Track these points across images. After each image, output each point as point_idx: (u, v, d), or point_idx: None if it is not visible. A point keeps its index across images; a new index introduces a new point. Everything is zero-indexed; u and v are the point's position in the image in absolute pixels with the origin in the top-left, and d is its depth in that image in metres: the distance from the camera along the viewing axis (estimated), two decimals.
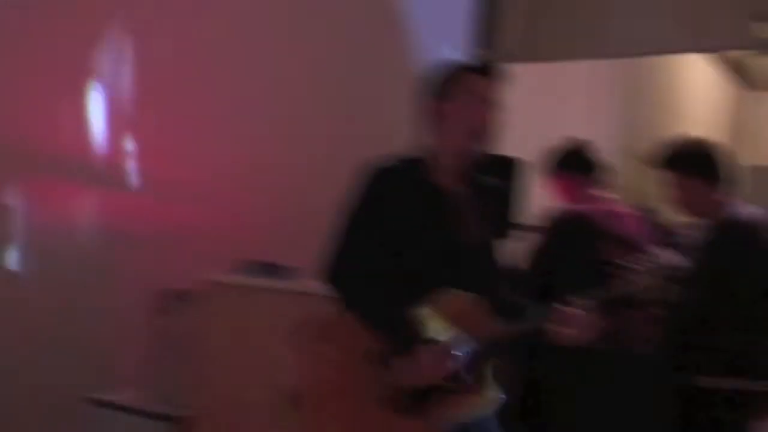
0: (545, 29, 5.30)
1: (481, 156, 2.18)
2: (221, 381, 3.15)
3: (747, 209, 2.87)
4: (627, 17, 5.05)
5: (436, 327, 2.06)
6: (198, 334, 3.23)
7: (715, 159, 2.91)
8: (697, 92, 7.25)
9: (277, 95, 3.96)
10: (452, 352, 2.03)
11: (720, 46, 5.57)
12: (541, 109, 5.32)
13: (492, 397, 2.09)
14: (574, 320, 2.00)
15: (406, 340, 2.05)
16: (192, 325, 3.24)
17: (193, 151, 3.64)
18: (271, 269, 3.23)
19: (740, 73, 7.27)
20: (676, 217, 3.20)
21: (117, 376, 3.42)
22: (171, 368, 3.31)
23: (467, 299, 2.10)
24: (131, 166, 3.57)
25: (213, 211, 3.72)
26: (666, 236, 3.40)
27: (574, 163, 2.96)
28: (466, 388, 2.05)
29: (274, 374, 2.72)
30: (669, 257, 2.03)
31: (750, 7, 4.64)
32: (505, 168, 4.64)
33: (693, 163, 2.88)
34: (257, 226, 3.79)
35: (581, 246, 2.75)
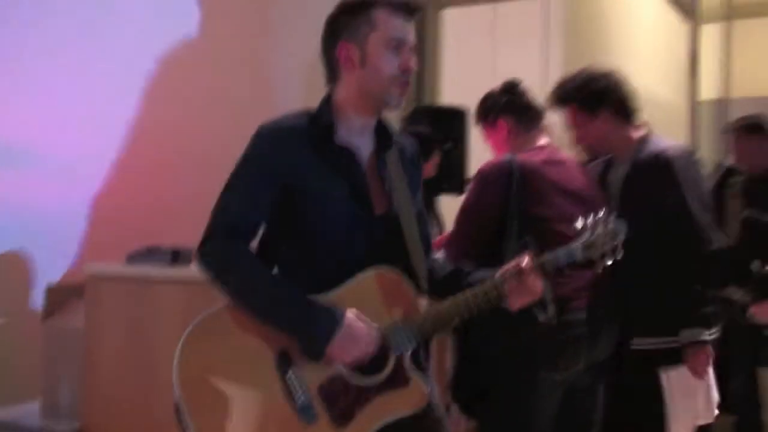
0: None
1: (399, 107, 1.87)
2: (116, 388, 2.86)
3: (663, 143, 2.66)
4: None
5: (357, 312, 1.75)
6: (91, 334, 2.90)
7: (625, 90, 2.68)
8: (641, 27, 7.06)
9: (184, 71, 3.62)
10: (388, 344, 1.76)
11: None
12: (476, 55, 5.09)
13: (425, 390, 1.81)
14: (526, 284, 1.79)
15: (323, 326, 1.71)
16: (85, 324, 2.92)
17: (92, 125, 3.28)
18: (171, 255, 2.98)
19: (685, 6, 7.07)
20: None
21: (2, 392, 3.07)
22: (63, 376, 2.97)
23: (391, 277, 1.81)
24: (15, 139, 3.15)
25: (111, 191, 3.34)
26: None
27: (509, 107, 2.63)
28: (400, 381, 1.77)
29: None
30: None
31: None
32: (452, 119, 4.38)
33: (601, 95, 2.64)
34: (158, 207, 3.48)
35: (521, 201, 2.43)
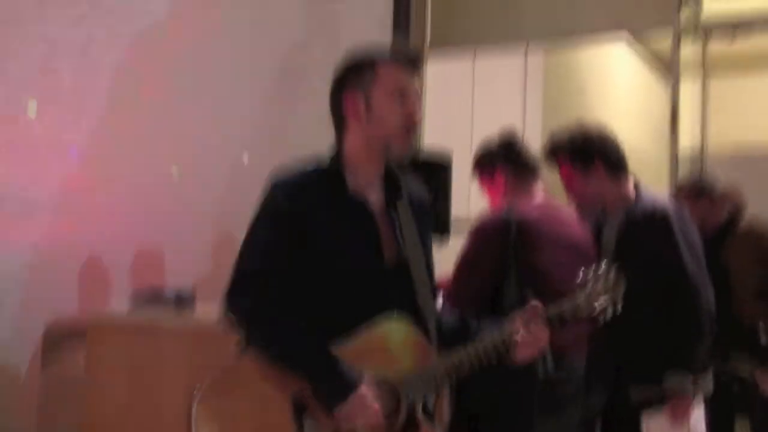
0: (460, 15, 5.09)
1: (407, 155, 1.92)
2: None
3: (654, 197, 2.71)
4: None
5: (374, 364, 1.77)
6: (90, 380, 2.82)
7: (616, 145, 2.73)
8: (618, 83, 7.15)
9: (183, 106, 3.57)
10: (400, 393, 1.76)
11: (643, 27, 5.40)
12: (456, 106, 5.11)
13: None
14: (534, 337, 1.83)
15: (341, 384, 1.72)
16: (84, 369, 2.85)
17: (90, 169, 3.21)
18: (168, 298, 2.92)
19: (661, 61, 7.18)
20: None
21: None
22: (62, 424, 2.88)
23: (403, 327, 1.82)
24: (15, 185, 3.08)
25: (111, 232, 3.26)
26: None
27: (506, 159, 2.63)
28: (412, 430, 1.77)
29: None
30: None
31: None
32: (436, 166, 4.39)
33: (593, 151, 2.68)
34: (159, 248, 3.40)
35: (520, 253, 2.43)
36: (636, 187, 2.73)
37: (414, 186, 2.01)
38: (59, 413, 2.96)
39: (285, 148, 3.59)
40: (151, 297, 2.95)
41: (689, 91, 5.98)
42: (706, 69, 6.63)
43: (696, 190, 3.67)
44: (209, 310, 2.58)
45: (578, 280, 1.87)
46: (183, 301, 2.94)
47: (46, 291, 3.03)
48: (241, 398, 1.75)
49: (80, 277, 3.15)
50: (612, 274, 1.87)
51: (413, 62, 1.93)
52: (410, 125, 1.87)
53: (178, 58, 3.52)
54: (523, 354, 1.84)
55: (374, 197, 1.91)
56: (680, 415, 2.53)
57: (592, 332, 2.42)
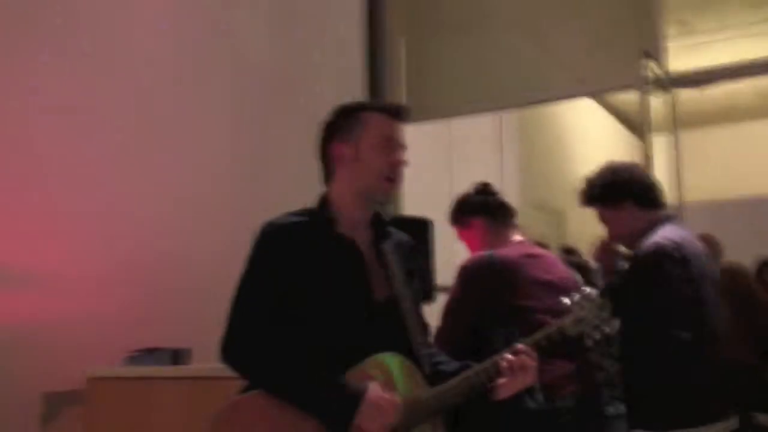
0: (431, 87, 5.20)
1: (389, 200, 2.00)
2: None
3: (667, 232, 2.61)
4: (516, 68, 4.99)
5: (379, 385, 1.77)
6: None
7: (646, 180, 2.74)
8: (590, 139, 7.28)
9: (166, 164, 3.62)
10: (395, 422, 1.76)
11: (608, 87, 5.54)
12: (434, 168, 5.17)
13: None
14: (521, 362, 1.84)
15: (350, 394, 1.73)
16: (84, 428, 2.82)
17: (74, 238, 3.22)
18: (163, 355, 2.92)
19: (630, 118, 7.34)
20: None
21: None
22: None
23: (397, 360, 1.84)
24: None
25: (98, 300, 3.26)
26: (586, 277, 3.25)
27: (483, 207, 2.70)
28: None
29: None
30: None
31: (637, 46, 4.64)
32: (418, 229, 4.41)
33: (623, 188, 2.69)
34: (148, 309, 3.37)
35: (504, 293, 2.47)
36: (661, 220, 2.68)
37: (399, 234, 2.06)
38: None
39: (270, 200, 3.61)
40: (146, 354, 2.96)
41: (662, 143, 6.10)
42: (676, 123, 6.78)
43: None
44: (206, 363, 2.58)
45: (562, 305, 1.90)
46: (179, 357, 2.95)
47: (42, 361, 3.02)
48: None
49: (76, 347, 3.14)
50: (596, 298, 1.89)
51: (399, 113, 2.00)
52: (395, 174, 1.94)
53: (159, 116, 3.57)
54: (511, 383, 1.84)
55: (362, 239, 1.95)
56: None
57: (580, 369, 2.43)
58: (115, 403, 2.84)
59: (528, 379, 1.86)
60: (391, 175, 1.93)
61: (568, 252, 4.29)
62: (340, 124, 1.98)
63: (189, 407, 2.61)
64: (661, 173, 6.32)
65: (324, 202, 1.98)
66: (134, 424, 2.80)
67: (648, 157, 4.85)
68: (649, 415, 2.49)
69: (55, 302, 3.13)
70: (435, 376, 1.91)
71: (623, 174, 2.73)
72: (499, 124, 5.84)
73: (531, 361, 1.85)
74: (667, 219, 2.71)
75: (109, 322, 3.22)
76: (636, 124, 7.04)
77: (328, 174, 2.00)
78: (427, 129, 5.24)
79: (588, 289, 1.91)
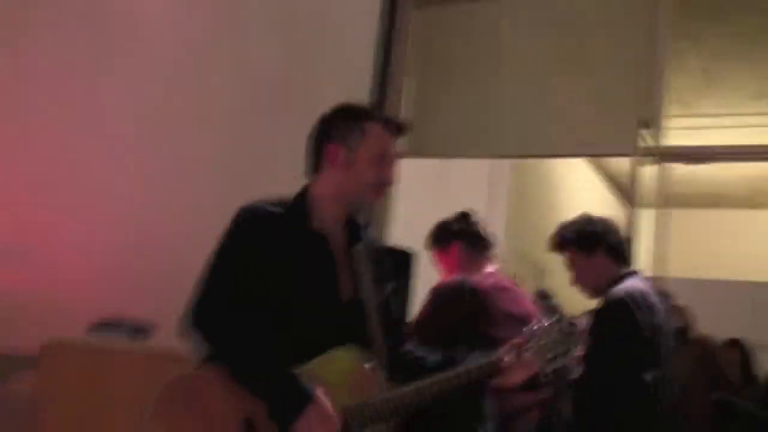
0: (432, 125, 5.25)
1: (364, 207, 2.01)
2: None
3: (634, 283, 2.70)
4: (516, 119, 5.06)
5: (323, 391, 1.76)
6: (42, 404, 2.73)
7: (618, 234, 2.80)
8: (579, 199, 7.33)
9: (137, 139, 3.60)
10: (346, 420, 1.76)
11: (604, 152, 5.61)
12: (424, 204, 5.20)
13: None
14: (524, 361, 1.87)
15: (298, 397, 1.72)
16: (35, 394, 2.76)
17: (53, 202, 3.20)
18: (126, 327, 2.88)
19: (621, 187, 7.42)
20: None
21: None
22: None
23: (347, 358, 1.84)
24: None
25: (62, 266, 3.24)
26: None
27: (462, 234, 2.74)
28: None
29: None
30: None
31: (636, 115, 4.72)
32: (400, 260, 4.42)
33: (597, 237, 2.75)
34: (113, 280, 3.34)
35: (472, 319, 2.51)
36: (629, 274, 2.74)
37: (372, 238, 2.07)
38: None
39: (246, 182, 3.60)
40: (107, 326, 2.91)
41: (650, 215, 6.18)
42: (666, 199, 6.87)
43: None
44: (166, 339, 2.51)
45: (525, 332, 1.91)
46: (140, 331, 2.91)
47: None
48: (190, 412, 1.74)
49: (35, 312, 3.11)
50: (559, 328, 1.90)
51: (401, 131, 2.02)
52: (383, 189, 1.96)
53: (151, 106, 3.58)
54: (513, 378, 1.86)
55: (335, 238, 1.96)
56: None
57: (542, 401, 2.45)
58: (68, 371, 2.79)
59: (529, 371, 1.88)
60: (379, 190, 1.96)
61: (543, 297, 4.31)
62: (341, 126, 1.98)
63: (144, 382, 2.57)
64: (646, 245, 6.39)
65: (303, 195, 1.98)
66: (84, 393, 2.75)
67: (633, 225, 4.90)
68: None
69: (34, 272, 3.13)
70: (418, 371, 1.90)
71: (598, 224, 2.81)
72: (491, 171, 5.89)
73: (533, 363, 1.87)
74: (634, 273, 2.78)
75: (79, 294, 3.21)
76: (626, 194, 7.13)
77: (315, 169, 2.00)
78: (421, 163, 5.27)
79: (546, 322, 1.92)
